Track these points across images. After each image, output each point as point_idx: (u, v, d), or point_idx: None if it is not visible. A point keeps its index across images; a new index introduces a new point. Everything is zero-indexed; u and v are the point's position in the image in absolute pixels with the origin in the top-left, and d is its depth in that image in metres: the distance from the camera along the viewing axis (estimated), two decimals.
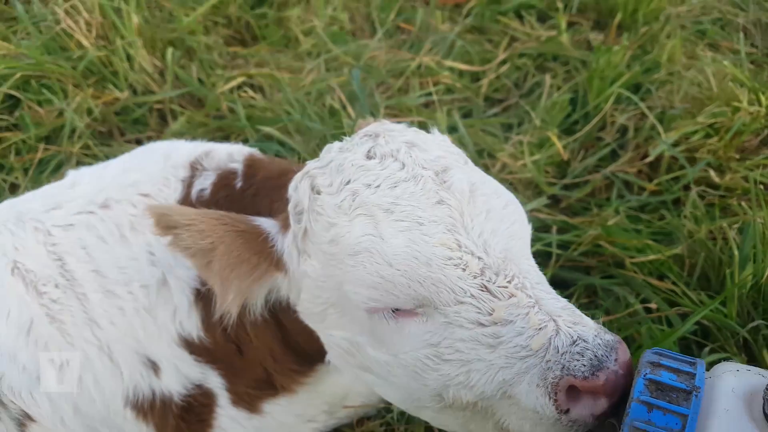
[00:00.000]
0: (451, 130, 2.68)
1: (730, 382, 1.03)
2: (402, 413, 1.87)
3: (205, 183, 1.68)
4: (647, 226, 2.36)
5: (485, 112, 2.96)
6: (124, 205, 1.66)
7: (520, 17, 3.40)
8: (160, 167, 1.72)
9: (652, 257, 2.15)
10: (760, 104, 2.67)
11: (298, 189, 1.40)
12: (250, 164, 1.69)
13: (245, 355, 1.66)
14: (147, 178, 1.70)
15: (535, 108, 2.86)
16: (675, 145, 2.62)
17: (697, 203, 2.37)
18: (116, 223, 1.63)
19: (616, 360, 1.07)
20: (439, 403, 1.26)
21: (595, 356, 1.07)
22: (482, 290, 1.16)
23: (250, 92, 2.85)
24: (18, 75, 2.78)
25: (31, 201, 1.75)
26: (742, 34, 3.20)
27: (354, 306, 1.28)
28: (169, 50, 2.93)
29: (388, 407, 1.88)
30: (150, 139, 2.79)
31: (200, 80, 2.97)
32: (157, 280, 1.60)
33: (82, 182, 1.73)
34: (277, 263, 1.42)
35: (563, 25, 3.19)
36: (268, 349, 1.64)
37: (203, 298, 1.61)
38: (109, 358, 1.57)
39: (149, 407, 1.62)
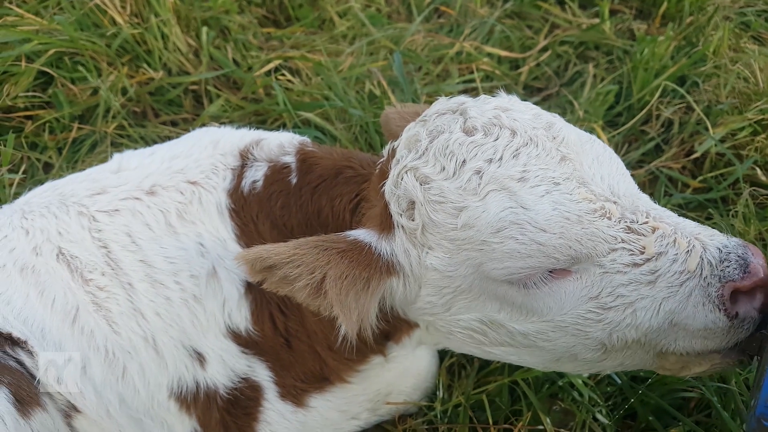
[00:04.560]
0: None
1: None
2: (445, 411, 1.84)
3: (257, 174, 1.63)
4: None
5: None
6: (171, 192, 1.62)
7: (561, 3, 3.30)
8: (208, 154, 1.68)
9: None
10: None
11: (400, 186, 1.34)
12: (304, 158, 1.64)
13: (293, 347, 1.64)
14: (195, 164, 1.66)
15: (578, 98, 2.78)
16: (721, 141, 2.55)
17: (748, 202, 2.30)
18: (162, 209, 1.60)
19: (753, 254, 1.17)
20: (599, 351, 1.30)
21: (739, 257, 1.16)
22: (628, 232, 1.20)
23: (288, 75, 2.78)
24: (51, 51, 2.71)
25: (75, 183, 1.70)
26: None
27: (496, 284, 1.28)
28: (204, 29, 2.86)
29: (430, 405, 1.86)
30: (185, 120, 2.75)
31: (235, 61, 2.90)
32: (207, 271, 1.57)
33: (129, 167, 1.69)
34: (387, 269, 1.38)
35: (606, 12, 3.09)
36: (325, 337, 1.61)
37: (254, 290, 1.58)
38: (154, 349, 1.54)
39: (193, 399, 1.60)
